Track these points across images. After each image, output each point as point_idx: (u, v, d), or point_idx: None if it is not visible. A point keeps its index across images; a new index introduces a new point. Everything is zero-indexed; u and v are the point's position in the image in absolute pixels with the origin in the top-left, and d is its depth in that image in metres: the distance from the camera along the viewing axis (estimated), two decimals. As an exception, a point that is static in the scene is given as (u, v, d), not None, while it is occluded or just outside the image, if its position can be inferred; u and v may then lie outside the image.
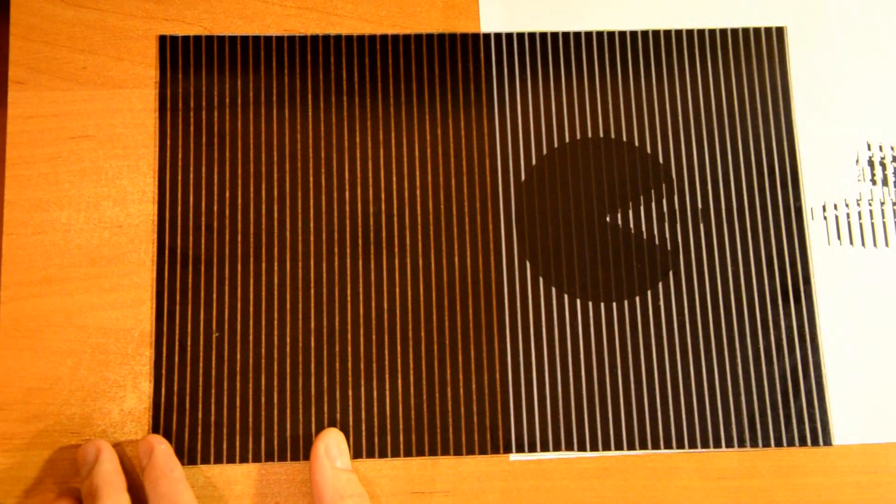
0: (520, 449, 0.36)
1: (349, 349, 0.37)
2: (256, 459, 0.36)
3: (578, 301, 0.38)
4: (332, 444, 0.35)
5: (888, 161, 0.39)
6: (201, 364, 0.37)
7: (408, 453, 0.36)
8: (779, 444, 0.37)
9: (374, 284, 0.37)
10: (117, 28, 0.39)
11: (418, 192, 0.38)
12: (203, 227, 0.38)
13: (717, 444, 0.37)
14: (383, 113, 0.39)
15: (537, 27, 0.40)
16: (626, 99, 0.39)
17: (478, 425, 0.36)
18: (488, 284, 0.38)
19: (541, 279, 0.38)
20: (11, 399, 0.36)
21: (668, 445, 0.37)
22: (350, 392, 0.37)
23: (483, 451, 0.36)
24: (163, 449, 0.34)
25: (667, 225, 0.38)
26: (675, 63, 0.40)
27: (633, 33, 0.40)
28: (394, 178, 0.38)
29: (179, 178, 0.38)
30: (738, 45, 0.40)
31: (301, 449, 0.36)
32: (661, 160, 0.39)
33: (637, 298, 0.38)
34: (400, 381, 0.37)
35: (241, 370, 0.36)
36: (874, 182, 0.39)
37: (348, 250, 0.38)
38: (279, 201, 0.38)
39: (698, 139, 0.39)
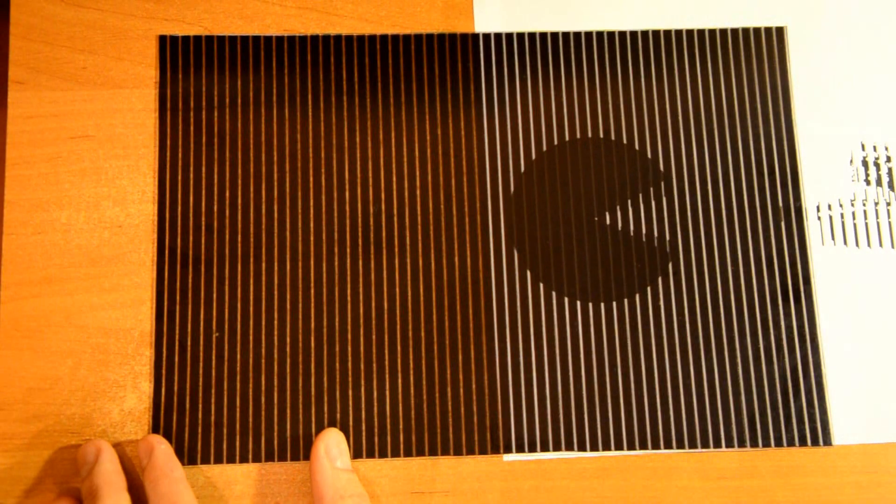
0: (520, 449, 0.36)
1: (349, 349, 0.37)
2: (256, 459, 0.36)
3: (578, 301, 0.38)
4: (332, 444, 0.35)
5: (886, 161, 0.39)
6: (201, 364, 0.37)
7: (408, 453, 0.36)
8: (779, 444, 0.37)
9: (374, 284, 0.37)
10: (117, 28, 0.39)
11: (418, 192, 0.38)
12: (203, 227, 0.38)
13: (717, 444, 0.37)
14: (383, 113, 0.39)
15: (535, 27, 0.40)
16: (625, 99, 0.39)
17: (478, 425, 0.36)
18: (488, 284, 0.38)
19: (540, 281, 0.38)
20: (11, 399, 0.36)
21: (668, 445, 0.37)
22: (350, 392, 0.37)
23: (483, 451, 0.36)
24: (163, 449, 0.34)
25: (666, 225, 0.38)
26: (675, 63, 0.40)
27: (633, 33, 0.40)
28: (393, 178, 0.38)
29: (179, 178, 0.38)
30: (738, 45, 0.40)
31: (301, 449, 0.36)
32: (660, 160, 0.39)
33: (637, 298, 0.38)
34: (400, 381, 0.37)
35: (241, 370, 0.37)
36: (869, 182, 0.39)
37: (348, 250, 0.38)
38: (279, 201, 0.38)
39: (698, 139, 0.39)
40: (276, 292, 0.37)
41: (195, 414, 0.36)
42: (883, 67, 0.40)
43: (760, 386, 0.37)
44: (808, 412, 0.37)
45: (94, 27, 0.39)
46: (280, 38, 0.39)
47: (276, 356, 0.37)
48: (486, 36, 0.40)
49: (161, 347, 0.37)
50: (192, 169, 0.38)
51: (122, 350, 0.36)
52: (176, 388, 0.36)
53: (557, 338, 0.37)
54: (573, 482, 0.36)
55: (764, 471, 0.37)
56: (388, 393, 0.37)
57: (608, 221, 0.38)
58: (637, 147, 0.39)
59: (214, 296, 0.37)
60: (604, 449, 0.36)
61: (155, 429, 0.36)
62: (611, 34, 0.40)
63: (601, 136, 0.39)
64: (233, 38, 0.39)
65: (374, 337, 0.37)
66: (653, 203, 0.39)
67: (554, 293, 0.38)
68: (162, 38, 0.39)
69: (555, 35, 0.40)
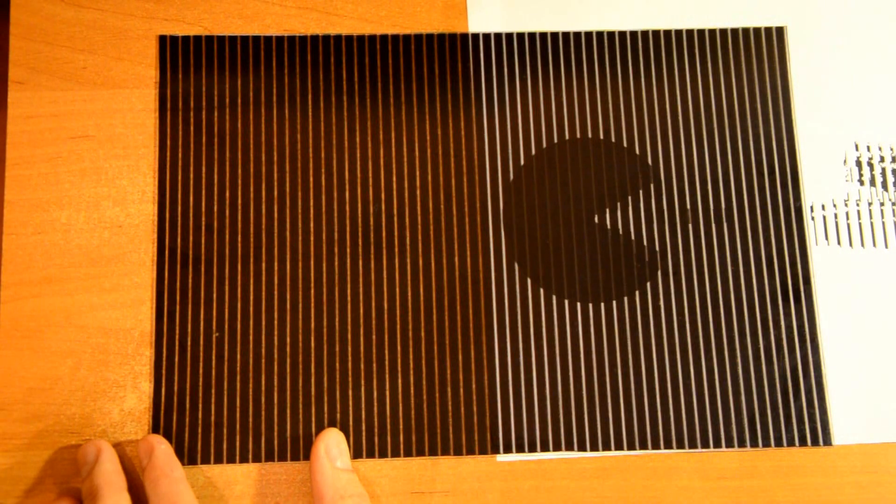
0: (520, 449, 0.36)
1: (349, 349, 0.37)
2: (256, 459, 0.36)
3: (578, 302, 0.38)
4: (332, 444, 0.35)
5: (886, 161, 0.39)
6: (201, 364, 0.37)
7: (408, 453, 0.36)
8: (779, 444, 0.37)
9: (374, 284, 0.37)
10: (117, 28, 0.39)
11: (418, 192, 0.38)
12: (203, 227, 0.38)
13: (717, 444, 0.37)
14: (383, 113, 0.39)
15: (534, 27, 0.40)
16: (625, 99, 0.39)
17: (478, 425, 0.36)
18: (487, 284, 0.38)
19: (540, 281, 0.38)
20: (11, 399, 0.36)
21: (668, 445, 0.37)
22: (350, 392, 0.37)
23: (483, 452, 0.36)
24: (163, 449, 0.34)
25: (666, 225, 0.38)
26: (675, 63, 0.40)
27: (633, 33, 0.40)
28: (393, 178, 0.38)
29: (179, 178, 0.38)
30: (738, 45, 0.40)
31: (301, 449, 0.36)
32: (660, 160, 0.39)
33: (637, 298, 0.38)
34: (400, 381, 0.37)
35: (241, 370, 0.37)
36: (863, 182, 0.39)
37: (348, 250, 0.38)
38: (279, 201, 0.38)
39: (698, 139, 0.39)
40: (276, 292, 0.37)
41: (195, 414, 0.36)
42: (883, 67, 0.40)
43: (760, 386, 0.37)
44: (808, 412, 0.37)
45: (94, 27, 0.39)
46: (280, 38, 0.39)
47: (276, 356, 0.37)
48: (486, 36, 0.40)
49: (161, 347, 0.37)
50: (192, 169, 0.38)
51: (122, 350, 0.36)
52: (176, 388, 0.36)
53: (557, 338, 0.37)
54: (573, 482, 0.36)
55: (764, 471, 0.37)
56: (388, 393, 0.37)
57: (607, 222, 0.38)
58: (637, 147, 0.39)
59: (214, 296, 0.37)
60: (604, 449, 0.36)
61: (155, 429, 0.36)
62: (610, 34, 0.40)
63: (601, 136, 0.39)
64: (233, 38, 0.39)
65: (374, 337, 0.37)
66: (653, 203, 0.39)
67: (554, 293, 0.38)
68: (162, 38, 0.39)
69: (554, 35, 0.40)
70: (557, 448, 0.36)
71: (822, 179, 0.39)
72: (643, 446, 0.37)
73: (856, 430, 0.37)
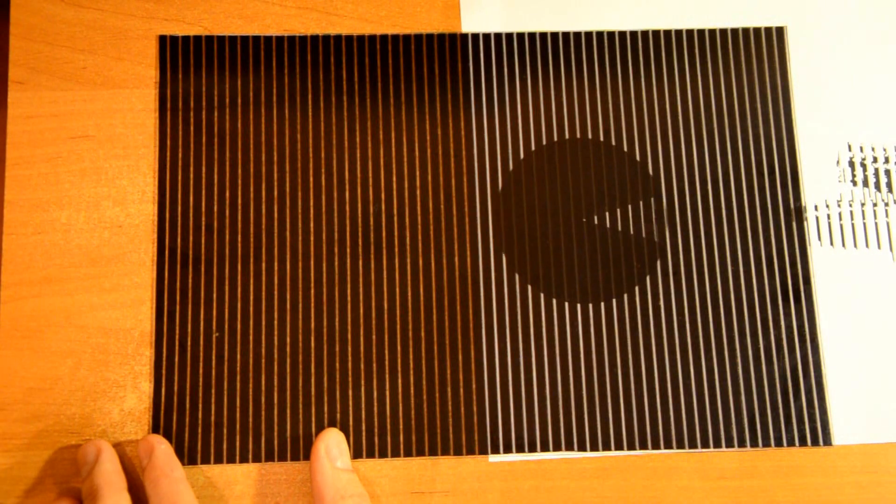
0: (520, 449, 0.36)
1: (349, 349, 0.37)
2: (256, 459, 0.36)
3: (579, 302, 0.38)
4: (332, 444, 0.35)
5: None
6: (201, 364, 0.37)
7: (408, 453, 0.36)
8: (779, 444, 0.37)
9: (374, 284, 0.37)
10: (117, 28, 0.39)
11: (418, 192, 0.38)
12: (203, 227, 0.38)
13: (717, 444, 0.37)
14: (383, 113, 0.39)
15: (534, 27, 0.40)
16: (625, 99, 0.39)
17: (478, 425, 0.36)
18: (488, 284, 0.38)
19: (540, 282, 0.38)
20: (11, 399, 0.36)
21: (668, 445, 0.37)
22: (350, 392, 0.37)
23: (483, 452, 0.36)
24: (163, 449, 0.34)
25: (666, 225, 0.38)
26: (675, 63, 0.40)
27: (633, 33, 0.40)
28: (393, 178, 0.38)
29: (179, 178, 0.38)
30: (738, 45, 0.40)
31: (301, 449, 0.36)
32: (660, 160, 0.39)
33: (637, 298, 0.38)
34: (400, 381, 0.37)
35: (241, 370, 0.37)
36: (856, 183, 0.39)
37: (348, 250, 0.38)
38: (279, 201, 0.38)
39: (698, 139, 0.39)
40: (276, 292, 0.37)
41: (195, 414, 0.36)
42: (883, 67, 0.40)
43: (760, 386, 0.37)
44: (808, 412, 0.37)
45: (94, 27, 0.39)
46: (280, 38, 0.39)
47: (276, 356, 0.37)
48: (487, 36, 0.40)
49: (161, 347, 0.37)
50: (192, 169, 0.38)
51: (122, 350, 0.36)
52: (176, 388, 0.36)
53: (557, 338, 0.37)
54: (573, 482, 0.36)
55: (764, 471, 0.37)
56: (388, 393, 0.37)
57: (607, 222, 0.38)
58: (637, 147, 0.39)
59: (214, 296, 0.37)
60: (604, 449, 0.37)
61: (155, 429, 0.36)
62: (610, 34, 0.40)
63: (600, 136, 0.39)
64: (233, 38, 0.39)
65: (373, 337, 0.37)
66: (652, 203, 0.39)
67: (554, 294, 0.38)
68: (162, 38, 0.39)
69: (554, 35, 0.40)
70: (557, 448, 0.36)
71: (822, 180, 0.39)
72: (643, 446, 0.37)
73: (856, 430, 0.37)
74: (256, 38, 0.39)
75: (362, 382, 0.37)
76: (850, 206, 0.39)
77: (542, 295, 0.38)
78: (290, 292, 0.37)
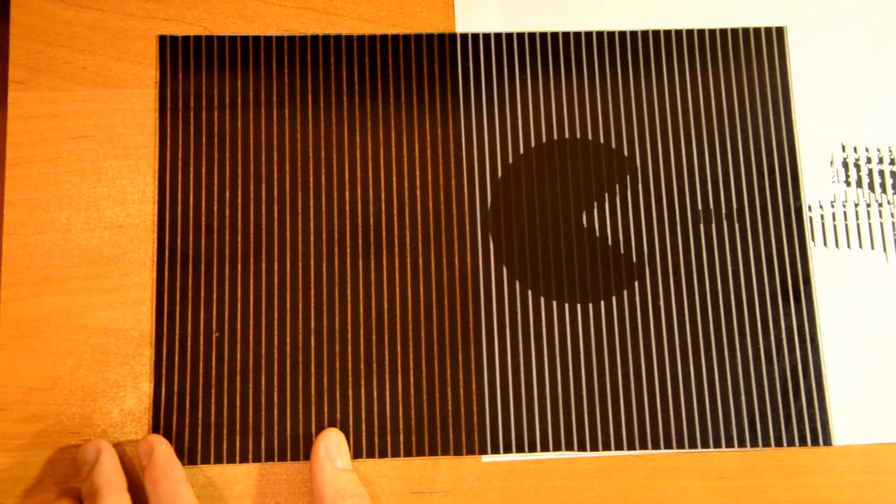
0: (520, 449, 0.36)
1: (349, 349, 0.37)
2: (256, 459, 0.36)
3: (578, 303, 0.38)
4: (332, 444, 0.35)
5: (877, 162, 0.39)
6: (201, 364, 0.37)
7: (408, 453, 0.36)
8: (779, 444, 0.37)
9: (374, 284, 0.37)
10: (117, 28, 0.39)
11: (418, 192, 0.38)
12: (203, 227, 0.38)
13: (717, 444, 0.37)
14: (383, 113, 0.39)
15: (532, 26, 0.40)
16: (625, 98, 0.39)
17: (478, 425, 0.36)
18: (488, 284, 0.38)
19: (540, 282, 0.38)
20: (11, 399, 0.36)
21: (668, 445, 0.37)
22: (350, 392, 0.37)
23: (483, 452, 0.36)
24: (163, 449, 0.34)
25: (666, 225, 0.38)
26: (675, 63, 0.40)
27: (633, 33, 0.40)
28: (393, 178, 0.38)
29: (179, 178, 0.38)
30: (738, 45, 0.40)
31: (301, 449, 0.36)
32: (660, 160, 0.39)
33: (637, 298, 0.38)
34: (400, 381, 0.37)
35: (241, 370, 0.37)
36: (850, 184, 0.39)
37: (348, 250, 0.38)
38: (279, 201, 0.38)
39: (698, 139, 0.39)
40: (276, 292, 0.37)
41: (195, 414, 0.36)
42: (883, 67, 0.40)
43: (760, 386, 0.37)
44: (808, 412, 0.37)
45: (94, 27, 0.39)
46: (280, 38, 0.39)
47: (276, 356, 0.37)
48: (486, 36, 0.40)
49: (161, 347, 0.37)
50: (192, 169, 0.38)
51: (122, 350, 0.36)
52: (176, 388, 0.36)
53: (557, 338, 0.37)
54: (573, 482, 0.36)
55: (764, 471, 0.37)
56: (388, 393, 0.37)
57: (607, 222, 0.38)
58: (637, 146, 0.39)
59: (214, 296, 0.37)
60: (604, 449, 0.37)
61: (155, 429, 0.36)
62: (611, 34, 0.40)
63: (600, 136, 0.39)
64: (233, 38, 0.39)
65: (373, 337, 0.37)
66: (652, 203, 0.39)
67: (553, 294, 0.38)
68: (162, 38, 0.39)
69: (554, 35, 0.40)
70: (557, 448, 0.36)
71: (822, 180, 0.39)
72: (643, 446, 0.37)
73: (856, 430, 0.37)
74: (256, 38, 0.39)
75: (362, 382, 0.37)
76: (854, 206, 0.39)
77: (541, 295, 0.38)
78: (290, 292, 0.37)
